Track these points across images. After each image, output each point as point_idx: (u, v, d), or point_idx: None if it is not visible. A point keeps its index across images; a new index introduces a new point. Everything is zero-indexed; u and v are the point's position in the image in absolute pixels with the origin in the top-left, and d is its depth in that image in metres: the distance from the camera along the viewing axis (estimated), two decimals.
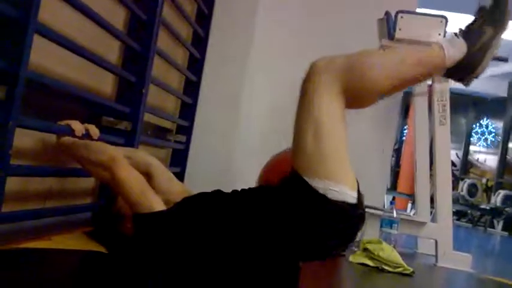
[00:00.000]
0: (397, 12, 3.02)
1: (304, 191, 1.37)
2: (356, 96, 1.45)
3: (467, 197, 10.06)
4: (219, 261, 1.43)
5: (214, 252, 1.43)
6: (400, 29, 2.95)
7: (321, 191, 1.34)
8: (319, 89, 1.41)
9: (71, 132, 1.64)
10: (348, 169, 1.41)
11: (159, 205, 1.51)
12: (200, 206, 1.55)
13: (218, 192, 1.61)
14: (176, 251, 1.47)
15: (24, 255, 1.41)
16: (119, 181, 1.53)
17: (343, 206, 1.35)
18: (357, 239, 2.98)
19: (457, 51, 1.50)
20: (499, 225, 9.35)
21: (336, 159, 1.39)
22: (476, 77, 1.57)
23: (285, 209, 1.40)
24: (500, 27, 1.56)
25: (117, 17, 2.10)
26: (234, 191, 1.60)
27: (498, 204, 9.32)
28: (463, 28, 1.55)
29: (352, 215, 1.39)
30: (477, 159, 12.48)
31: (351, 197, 1.37)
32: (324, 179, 1.35)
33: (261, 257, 1.42)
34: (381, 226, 2.62)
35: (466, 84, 1.62)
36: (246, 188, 1.59)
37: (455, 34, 1.54)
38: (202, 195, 1.62)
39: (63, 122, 1.65)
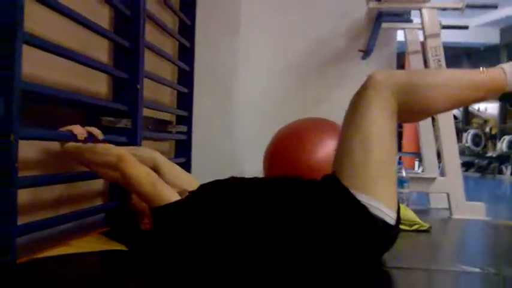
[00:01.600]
0: None
1: (344, 197, 1.35)
2: (409, 113, 1.44)
3: (473, 147, 10.07)
4: (241, 248, 1.43)
5: (237, 239, 1.43)
6: None
7: (360, 202, 1.33)
8: (375, 104, 1.39)
9: (73, 137, 1.64)
10: (392, 187, 1.39)
11: (174, 196, 1.53)
12: (220, 192, 1.55)
13: (233, 180, 1.61)
14: (198, 239, 1.48)
15: (45, 264, 1.42)
16: (130, 179, 1.53)
17: (380, 223, 1.34)
18: None
19: None
20: (508, 170, 9.38)
21: (381, 175, 1.37)
22: None
23: (320, 207, 1.38)
24: None
25: (102, 16, 2.09)
26: (259, 180, 1.59)
27: (504, 150, 9.33)
28: None
29: (386, 236, 1.38)
30: (478, 109, 12.44)
31: (389, 218, 1.35)
32: (366, 193, 1.34)
33: (285, 251, 1.39)
34: None
35: None
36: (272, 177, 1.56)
37: None
38: (218, 182, 1.61)
39: (65, 128, 1.65)
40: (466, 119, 11.89)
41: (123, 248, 1.62)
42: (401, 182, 2.60)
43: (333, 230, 1.36)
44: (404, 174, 2.65)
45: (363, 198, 1.34)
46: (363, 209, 1.33)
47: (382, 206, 1.34)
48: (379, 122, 1.39)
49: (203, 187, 1.63)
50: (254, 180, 1.61)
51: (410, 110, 1.44)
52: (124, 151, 1.62)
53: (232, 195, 1.52)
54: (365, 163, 1.36)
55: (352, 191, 1.35)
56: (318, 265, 1.37)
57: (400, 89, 1.40)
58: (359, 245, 1.37)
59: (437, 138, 3.27)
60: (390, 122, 1.40)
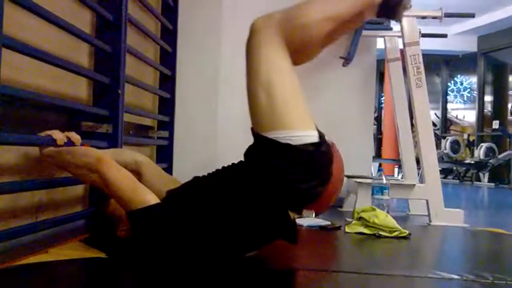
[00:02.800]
0: None
1: (269, 147, 1.43)
2: (299, 46, 1.49)
3: (451, 154, 10.21)
4: (216, 236, 1.49)
5: (210, 230, 1.48)
6: None
7: (283, 141, 1.40)
8: (262, 46, 1.46)
9: (53, 142, 1.62)
10: (304, 114, 1.47)
11: (152, 199, 1.52)
12: (184, 195, 1.59)
13: (197, 179, 1.65)
14: (173, 242, 1.49)
15: (24, 271, 1.40)
16: (108, 181, 1.51)
17: (307, 147, 1.42)
18: (351, 208, 3.03)
19: None
20: (485, 177, 9.53)
21: (291, 108, 1.45)
22: (405, 9, 1.60)
23: (258, 170, 1.47)
24: None
25: (83, 20, 2.07)
26: (211, 173, 1.66)
27: (482, 157, 9.48)
28: None
29: (319, 152, 1.45)
30: (456, 116, 12.64)
31: (312, 138, 1.44)
32: (284, 130, 1.42)
33: (253, 222, 1.50)
34: (373, 193, 2.66)
35: (398, 19, 1.66)
36: (221, 167, 1.66)
37: None
38: (183, 185, 1.67)
39: (44, 133, 1.63)
40: (445, 126, 12.07)
41: (102, 255, 1.60)
42: (381, 189, 2.63)
43: (276, 180, 1.44)
44: (384, 181, 2.67)
45: (283, 134, 1.41)
46: (287, 146, 1.41)
47: (304, 132, 1.43)
48: (273, 61, 1.46)
49: (171, 191, 1.65)
50: (212, 173, 1.67)
51: (299, 42, 1.49)
52: (104, 153, 1.60)
53: (195, 195, 1.56)
54: (272, 104, 1.43)
55: (271, 134, 1.42)
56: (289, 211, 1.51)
57: (280, 23, 1.47)
58: (304, 175, 1.44)
59: (416, 145, 3.31)
60: (284, 59, 1.47)
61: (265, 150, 1.45)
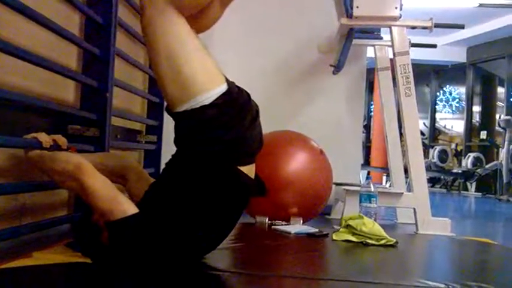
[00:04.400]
0: None
1: (188, 118, 1.43)
2: (193, 10, 1.48)
3: (439, 163, 10.27)
4: (192, 225, 1.49)
5: (183, 226, 1.48)
6: (357, 7, 2.97)
7: (197, 107, 1.41)
8: (156, 19, 1.44)
9: (38, 144, 1.60)
10: (211, 73, 1.47)
11: (131, 208, 1.49)
12: (147, 202, 1.57)
13: (154, 183, 1.64)
14: (154, 249, 1.48)
15: (7, 275, 1.38)
16: (86, 190, 1.49)
17: (219, 101, 1.43)
18: (339, 216, 3.03)
19: None
20: (472, 187, 9.59)
21: (196, 72, 1.44)
22: None
23: (190, 144, 1.47)
24: None
25: (73, 22, 2.05)
26: (161, 173, 1.66)
27: (469, 166, 9.54)
28: None
29: (231, 99, 1.46)
30: (444, 126, 12.73)
31: (221, 90, 1.44)
32: (194, 96, 1.42)
33: (215, 197, 1.49)
34: (360, 201, 2.66)
35: None
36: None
37: None
38: (145, 194, 1.63)
39: (30, 135, 1.61)
40: (433, 135, 12.14)
41: (87, 260, 1.58)
42: (369, 197, 2.63)
43: (208, 144, 1.45)
44: (372, 189, 2.67)
45: (195, 102, 1.42)
46: (201, 109, 1.42)
47: (214, 90, 1.43)
48: (168, 32, 1.45)
49: (140, 202, 1.62)
50: (160, 175, 1.67)
51: (188, 5, 1.48)
52: (84, 160, 1.56)
53: (153, 199, 1.55)
54: (177, 74, 1.43)
55: (185, 106, 1.42)
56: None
57: None
58: (227, 127, 1.45)
59: (404, 153, 3.32)
60: (179, 26, 1.45)
61: (185, 123, 1.46)
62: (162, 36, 1.44)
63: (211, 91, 1.43)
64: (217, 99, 1.43)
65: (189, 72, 1.43)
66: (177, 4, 1.44)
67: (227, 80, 1.49)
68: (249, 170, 1.56)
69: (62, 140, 1.70)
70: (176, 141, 1.53)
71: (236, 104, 1.49)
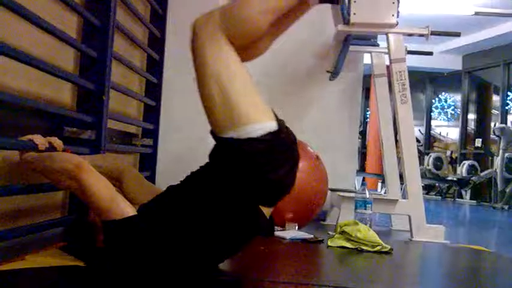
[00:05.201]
0: None
1: (231, 146, 1.42)
2: (244, 41, 1.48)
3: (434, 171, 10.29)
4: (193, 244, 1.47)
5: (186, 240, 1.46)
6: (354, 14, 2.97)
7: (243, 137, 1.39)
8: (206, 45, 1.44)
9: (34, 146, 1.59)
10: (259, 105, 1.46)
11: (130, 210, 1.49)
12: (158, 206, 1.56)
13: (170, 189, 1.63)
14: (150, 254, 1.46)
15: (1, 278, 1.37)
16: (86, 189, 1.48)
17: (266, 137, 1.41)
18: (334, 222, 3.03)
19: None
20: (467, 194, 9.61)
21: (245, 102, 1.43)
22: None
23: (224, 171, 1.46)
24: None
25: (70, 25, 2.05)
26: (182, 181, 1.63)
27: (464, 174, 9.56)
28: None
29: (279, 140, 1.44)
30: (439, 133, 12.77)
31: (270, 127, 1.42)
32: (242, 126, 1.40)
33: (228, 224, 1.48)
34: (356, 208, 2.66)
35: (340, 3, 1.65)
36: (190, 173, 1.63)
37: None
38: (157, 196, 1.64)
39: (25, 137, 1.60)
40: (428, 143, 12.17)
41: (80, 263, 1.57)
42: (364, 203, 2.63)
43: (245, 177, 1.43)
44: (367, 195, 2.68)
45: (242, 131, 1.40)
46: (248, 141, 1.40)
47: (262, 124, 1.42)
48: (219, 58, 1.44)
49: (144, 205, 1.62)
50: (184, 181, 1.64)
51: (242, 36, 1.48)
52: (83, 160, 1.56)
53: (168, 206, 1.54)
54: (226, 102, 1.41)
55: (231, 134, 1.41)
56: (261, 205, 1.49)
57: (221, 19, 1.46)
58: (270, 165, 1.43)
59: (400, 160, 3.32)
60: (229, 54, 1.45)
61: (228, 150, 1.44)
62: (212, 62, 1.43)
63: (259, 124, 1.42)
64: (265, 135, 1.41)
65: (239, 102, 1.42)
66: (230, 33, 1.44)
67: (277, 118, 1.47)
68: (268, 211, 1.55)
69: (57, 142, 1.69)
70: (212, 158, 1.52)
71: (283, 146, 1.47)
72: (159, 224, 1.47)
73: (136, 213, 1.49)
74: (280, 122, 1.47)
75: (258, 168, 1.42)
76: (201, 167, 1.61)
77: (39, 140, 1.61)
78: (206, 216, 1.47)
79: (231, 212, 1.48)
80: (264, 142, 1.41)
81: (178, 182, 1.65)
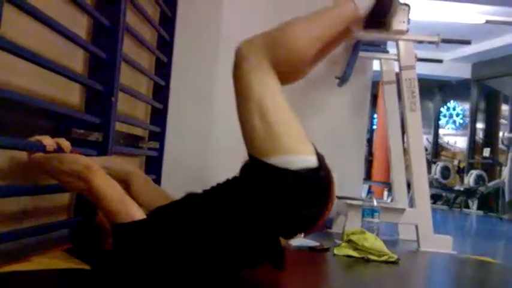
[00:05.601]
0: None
1: (267, 172, 1.40)
2: (287, 69, 1.48)
3: (441, 180, 10.24)
4: (204, 259, 1.43)
5: (198, 252, 1.43)
6: None
7: (282, 166, 1.37)
8: (251, 72, 1.44)
9: (42, 147, 1.58)
10: (301, 137, 1.45)
11: (139, 213, 1.47)
12: (174, 212, 1.54)
13: (190, 196, 1.60)
14: (161, 259, 1.44)
15: (3, 279, 1.36)
16: (95, 190, 1.47)
17: (306, 173, 1.39)
18: (340, 230, 3.00)
19: None
20: (474, 205, 9.55)
21: (287, 132, 1.43)
22: (392, 16, 1.60)
23: (254, 194, 1.43)
24: None
25: (80, 25, 2.04)
26: (205, 191, 1.61)
27: (471, 184, 9.51)
28: None
29: (318, 178, 1.43)
30: (447, 142, 12.72)
31: (311, 162, 1.41)
32: (282, 155, 1.39)
33: (243, 245, 1.45)
34: (363, 216, 2.63)
35: (387, 27, 1.66)
36: (216, 184, 1.61)
37: None
38: (176, 202, 1.62)
39: (34, 138, 1.59)
40: (436, 151, 12.12)
41: (86, 266, 1.55)
42: (372, 212, 2.61)
43: (273, 206, 1.40)
44: (375, 203, 2.65)
45: (281, 160, 1.38)
46: (286, 172, 1.38)
47: (302, 157, 1.40)
48: (263, 87, 1.44)
49: (159, 209, 1.60)
50: (206, 192, 1.62)
51: (286, 65, 1.48)
52: (93, 162, 1.56)
53: (187, 213, 1.52)
54: (269, 130, 1.41)
55: (269, 159, 1.39)
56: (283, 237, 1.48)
57: (266, 48, 1.45)
58: (302, 201, 1.41)
59: (407, 168, 3.30)
60: (272, 83, 1.45)
61: (263, 175, 1.41)
62: (256, 89, 1.43)
63: (299, 156, 1.40)
64: (304, 169, 1.40)
65: (280, 129, 1.41)
66: (275, 61, 1.44)
67: (317, 153, 1.46)
68: (285, 242, 1.55)
69: (65, 144, 1.68)
70: (244, 175, 1.50)
71: (321, 183, 1.46)
72: (171, 229, 1.45)
73: (144, 216, 1.48)
74: (320, 157, 1.45)
75: (291, 202, 1.40)
76: (228, 180, 1.59)
77: (47, 141, 1.60)
78: (222, 232, 1.44)
79: (250, 236, 1.44)
80: (302, 177, 1.39)
81: (201, 191, 1.63)
